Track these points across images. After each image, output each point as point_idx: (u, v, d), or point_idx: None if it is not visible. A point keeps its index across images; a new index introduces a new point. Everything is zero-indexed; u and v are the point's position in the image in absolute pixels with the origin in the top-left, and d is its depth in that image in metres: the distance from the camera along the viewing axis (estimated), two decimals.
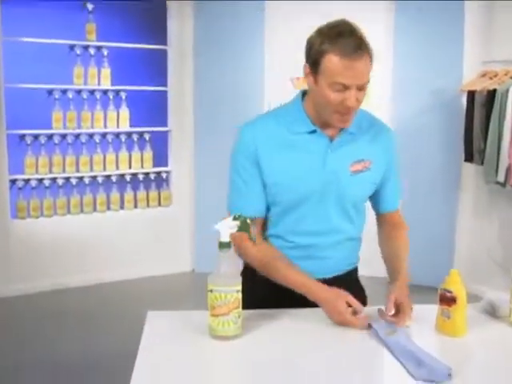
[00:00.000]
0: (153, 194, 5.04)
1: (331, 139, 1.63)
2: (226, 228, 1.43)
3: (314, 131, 1.62)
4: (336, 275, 1.73)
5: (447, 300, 1.51)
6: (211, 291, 1.39)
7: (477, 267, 4.44)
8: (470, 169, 4.47)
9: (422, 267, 3.91)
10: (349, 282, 1.72)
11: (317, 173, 1.62)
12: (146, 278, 4.93)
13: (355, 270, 1.83)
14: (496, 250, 4.41)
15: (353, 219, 1.71)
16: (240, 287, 1.41)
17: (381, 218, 1.84)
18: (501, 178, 4.00)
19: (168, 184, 5.12)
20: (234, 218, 1.45)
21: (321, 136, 1.62)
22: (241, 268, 1.67)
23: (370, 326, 1.50)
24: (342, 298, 1.51)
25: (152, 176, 5.00)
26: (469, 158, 4.28)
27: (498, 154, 4.01)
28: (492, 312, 1.66)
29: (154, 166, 5.01)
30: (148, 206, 5.03)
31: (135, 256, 4.92)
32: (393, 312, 1.52)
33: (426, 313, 1.62)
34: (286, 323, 1.57)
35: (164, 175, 5.07)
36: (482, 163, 4.14)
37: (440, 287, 1.54)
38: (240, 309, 1.41)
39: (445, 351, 1.44)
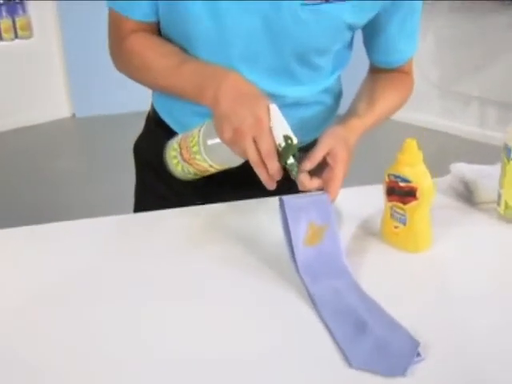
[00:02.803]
0: (5, 23, 4.11)
1: None
2: None
3: None
4: None
5: (401, 194, 0.90)
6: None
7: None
8: None
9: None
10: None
11: (236, 3, 0.92)
12: (18, 130, 4.17)
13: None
14: (431, 71, 3.88)
15: (300, 79, 1.03)
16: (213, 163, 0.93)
17: (374, 69, 1.14)
18: None
19: (24, 9, 4.17)
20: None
21: None
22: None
23: (280, 202, 0.87)
24: (265, 101, 0.87)
25: None
26: None
27: None
28: (467, 196, 1.08)
29: None
30: (1, 39, 4.08)
31: None
32: (308, 166, 0.88)
33: (362, 200, 1.03)
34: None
35: None
36: None
37: (386, 171, 0.93)
38: (192, 167, 0.96)
39: (396, 285, 0.86)
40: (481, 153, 3.66)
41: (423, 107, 3.89)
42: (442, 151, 3.44)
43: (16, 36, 4.15)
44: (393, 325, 0.74)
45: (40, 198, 3.27)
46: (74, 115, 4.61)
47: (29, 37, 4.20)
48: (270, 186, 0.86)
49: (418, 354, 0.70)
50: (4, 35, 4.09)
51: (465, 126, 3.98)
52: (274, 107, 0.85)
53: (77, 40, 4.14)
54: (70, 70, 4.38)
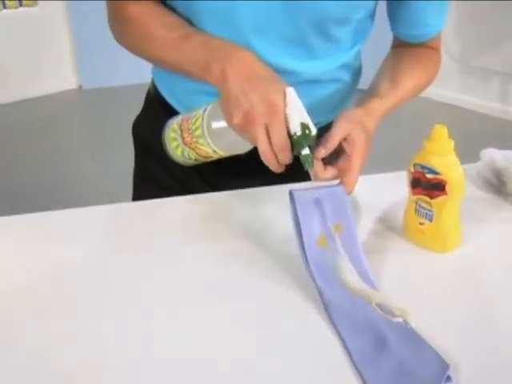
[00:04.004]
0: None
1: None
2: None
3: None
4: None
5: (428, 187, 0.81)
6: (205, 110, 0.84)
7: None
8: None
9: None
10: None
11: None
12: (22, 102, 4.09)
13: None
14: (453, 45, 3.75)
15: (316, 52, 0.93)
16: (213, 144, 0.83)
17: (398, 44, 1.04)
18: None
19: None
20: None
21: None
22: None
23: (290, 196, 0.78)
24: (280, 84, 0.77)
25: None
26: None
27: None
28: (498, 186, 0.98)
29: None
30: (5, 7, 3.97)
31: (2, 76, 4.00)
32: (323, 153, 0.79)
33: (382, 190, 0.95)
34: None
35: None
36: None
37: (412, 161, 0.83)
38: (194, 151, 0.87)
39: (420, 290, 0.77)
40: (502, 130, 3.54)
41: (443, 82, 3.76)
42: (462, 128, 3.32)
43: (20, 4, 4.04)
44: (417, 342, 0.65)
45: (43, 173, 3.20)
46: (80, 87, 4.52)
47: (33, 5, 4.09)
48: (278, 170, 0.77)
49: (448, 379, 0.61)
50: (8, 3, 3.99)
51: (485, 101, 3.85)
52: (290, 91, 0.75)
53: (83, 8, 4.03)
54: (76, 39, 4.27)
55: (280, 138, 0.73)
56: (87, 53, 4.27)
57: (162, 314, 0.71)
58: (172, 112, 0.99)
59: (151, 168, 1.11)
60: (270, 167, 0.76)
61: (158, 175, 1.10)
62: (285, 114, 0.74)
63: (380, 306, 0.69)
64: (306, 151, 0.75)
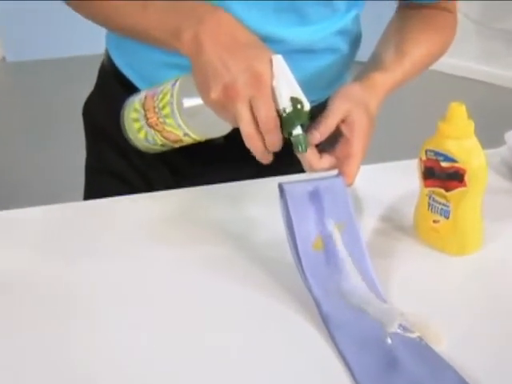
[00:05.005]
0: None
1: None
2: None
3: None
4: None
5: (443, 177, 0.86)
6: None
7: None
8: None
9: None
10: None
11: None
12: None
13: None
14: (470, 3, 3.82)
15: (308, 17, 0.98)
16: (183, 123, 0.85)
17: (404, 5, 1.10)
18: None
19: None
20: None
21: None
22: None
23: (280, 190, 0.82)
24: (266, 51, 0.80)
25: None
26: None
27: None
28: None
29: None
30: None
31: None
32: (318, 138, 0.83)
33: (388, 183, 1.00)
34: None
35: None
36: None
37: (424, 146, 0.87)
38: (160, 134, 0.89)
39: (435, 299, 0.81)
40: None
41: (457, 50, 3.82)
42: (482, 106, 3.39)
43: None
44: (435, 361, 0.70)
45: None
46: (3, 59, 4.54)
47: None
48: (265, 160, 0.81)
49: None
50: None
51: (510, 72, 3.92)
52: (278, 59, 0.78)
53: None
54: None
55: (267, 116, 0.76)
56: (12, 19, 4.31)
57: (123, 331, 0.74)
58: (132, 89, 1.03)
59: (107, 158, 1.14)
60: (256, 154, 0.80)
61: (115, 166, 1.13)
62: (272, 87, 0.77)
63: (400, 326, 0.74)
64: (297, 131, 0.78)
